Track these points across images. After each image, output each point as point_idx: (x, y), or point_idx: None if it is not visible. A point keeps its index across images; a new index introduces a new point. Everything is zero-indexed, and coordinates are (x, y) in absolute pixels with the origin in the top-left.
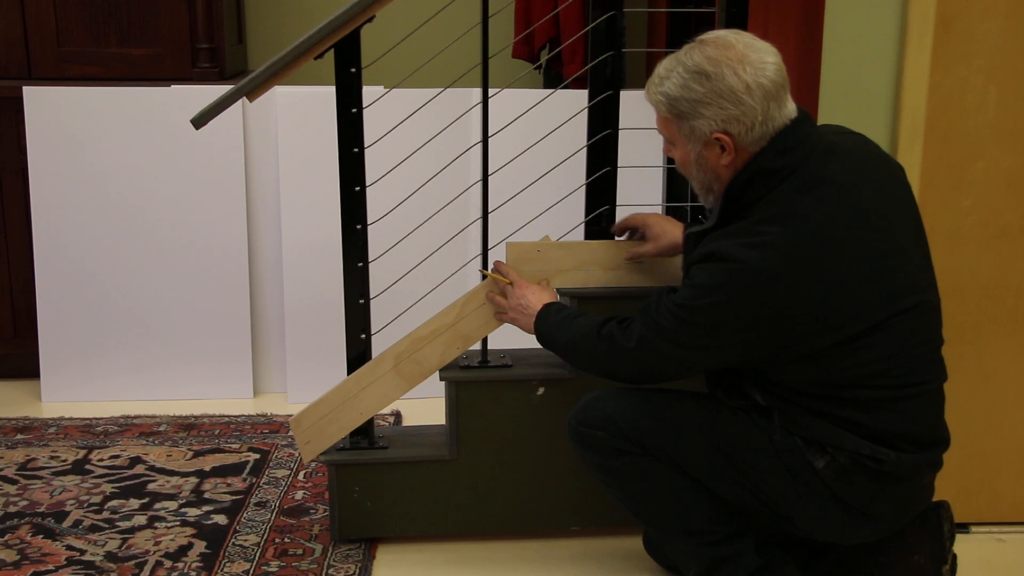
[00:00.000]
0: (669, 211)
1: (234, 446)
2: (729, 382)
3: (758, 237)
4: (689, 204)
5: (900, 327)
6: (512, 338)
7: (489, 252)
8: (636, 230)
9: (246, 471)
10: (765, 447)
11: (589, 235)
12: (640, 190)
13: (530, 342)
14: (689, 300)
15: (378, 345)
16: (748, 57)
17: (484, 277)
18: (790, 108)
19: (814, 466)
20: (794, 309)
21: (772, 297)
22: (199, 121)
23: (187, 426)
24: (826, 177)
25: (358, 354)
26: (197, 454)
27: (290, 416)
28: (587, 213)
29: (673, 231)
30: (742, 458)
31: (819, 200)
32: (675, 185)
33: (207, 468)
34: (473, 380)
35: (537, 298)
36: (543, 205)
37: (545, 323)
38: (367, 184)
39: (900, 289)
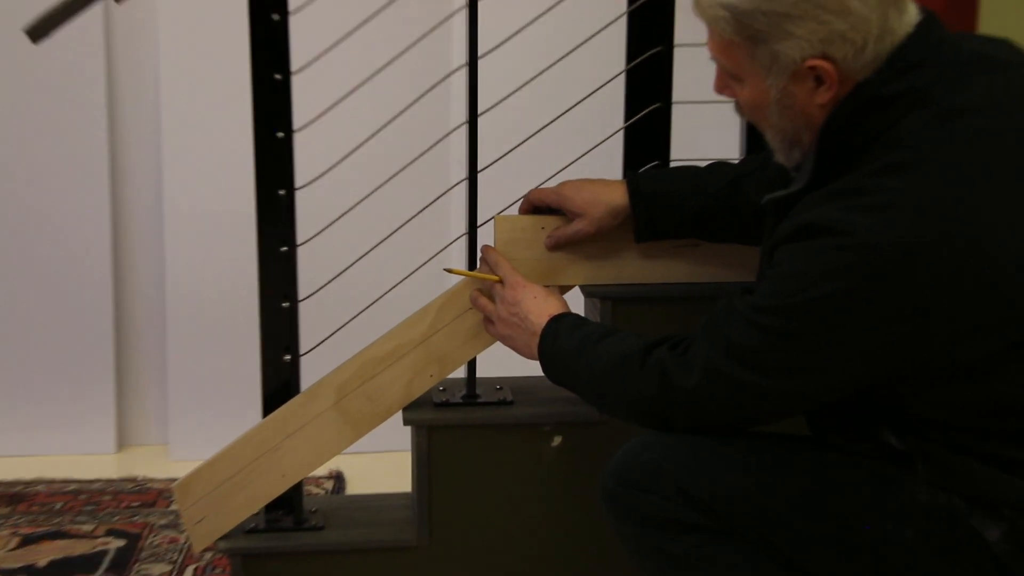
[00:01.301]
0: None
1: (85, 528)
2: (845, 417)
3: (875, 195)
4: None
5: None
6: (513, 362)
7: (478, 232)
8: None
9: (103, 567)
10: (906, 512)
11: None
12: (705, 136)
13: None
14: (776, 299)
15: (309, 371)
16: None
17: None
18: (912, 13)
19: (984, 538)
20: (937, 299)
21: (903, 284)
22: (37, 31)
23: (12, 497)
24: (972, 101)
25: (280, 385)
26: (27, 540)
27: (173, 480)
28: (625, 171)
29: (607, 193)
30: (871, 530)
31: (963, 134)
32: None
33: (41, 563)
34: (454, 424)
35: (540, 306)
36: (559, 161)
37: (554, 346)
38: (294, 129)
39: None
